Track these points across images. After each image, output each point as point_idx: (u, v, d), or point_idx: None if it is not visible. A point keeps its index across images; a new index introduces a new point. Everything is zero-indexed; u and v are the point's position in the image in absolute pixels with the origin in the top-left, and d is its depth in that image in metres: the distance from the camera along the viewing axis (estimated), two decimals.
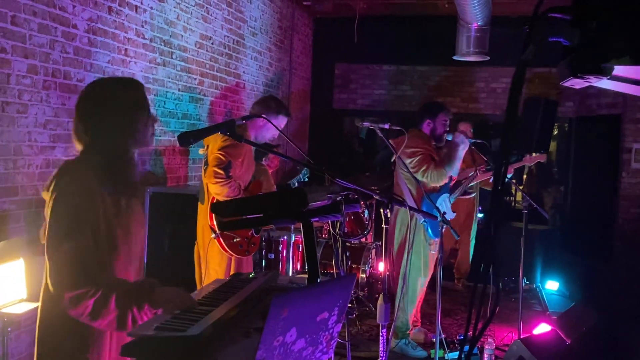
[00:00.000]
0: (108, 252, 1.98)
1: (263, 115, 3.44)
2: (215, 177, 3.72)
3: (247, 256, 4.05)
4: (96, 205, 1.93)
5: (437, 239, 4.62)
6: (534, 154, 5.61)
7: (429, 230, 4.54)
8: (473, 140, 5.24)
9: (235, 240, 3.87)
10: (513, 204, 8.69)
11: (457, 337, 5.20)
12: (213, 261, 3.91)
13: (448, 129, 4.70)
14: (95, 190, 1.94)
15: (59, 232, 1.88)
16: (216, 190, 3.76)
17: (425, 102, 6.31)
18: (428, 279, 4.79)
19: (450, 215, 4.50)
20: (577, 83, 1.17)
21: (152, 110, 2.07)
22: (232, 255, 3.89)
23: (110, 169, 1.99)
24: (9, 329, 3.23)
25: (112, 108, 2.00)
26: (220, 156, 3.75)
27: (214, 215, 3.76)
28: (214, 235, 3.84)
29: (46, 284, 1.97)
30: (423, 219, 4.47)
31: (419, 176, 4.39)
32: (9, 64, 3.37)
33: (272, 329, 1.48)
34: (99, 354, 2.02)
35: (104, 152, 1.99)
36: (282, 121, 4.16)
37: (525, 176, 8.99)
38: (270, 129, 4.07)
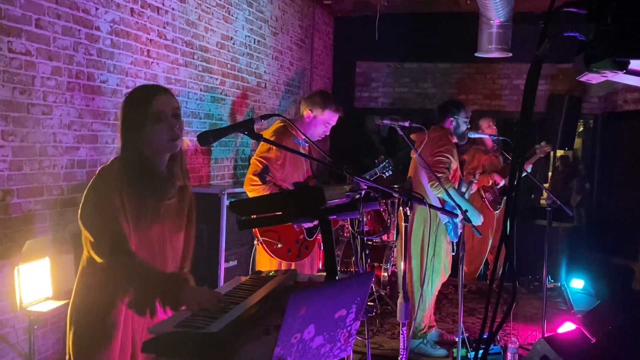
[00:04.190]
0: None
1: (283, 116, 3.43)
2: (251, 185, 3.74)
3: (299, 261, 3.95)
4: (120, 195, 2.07)
5: (455, 240, 4.59)
6: (542, 144, 5.58)
7: (451, 232, 4.51)
8: (496, 137, 5.21)
9: (278, 246, 3.80)
10: (538, 202, 8.60)
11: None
12: (263, 266, 3.91)
13: (469, 126, 4.68)
14: (116, 191, 2.06)
15: (95, 212, 2.06)
16: (252, 196, 3.76)
17: (446, 99, 6.26)
18: (445, 279, 4.76)
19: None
20: (593, 78, 1.16)
21: (170, 115, 2.16)
22: (281, 261, 3.85)
23: (133, 173, 2.12)
24: (35, 327, 3.30)
25: (128, 118, 2.16)
26: (257, 162, 3.77)
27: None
28: (256, 241, 3.86)
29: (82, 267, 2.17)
30: (447, 220, 4.42)
31: (431, 181, 4.36)
32: (34, 67, 3.43)
33: (289, 326, 1.49)
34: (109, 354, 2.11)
35: (128, 158, 2.14)
36: (330, 117, 3.98)
37: (550, 173, 8.89)
38: (317, 126, 3.97)
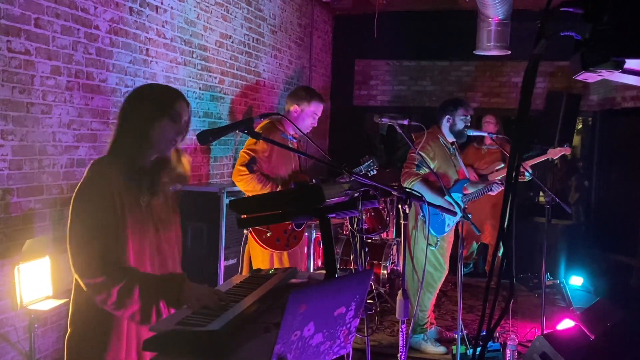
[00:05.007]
0: (124, 244, 2.03)
1: (282, 115, 3.46)
2: (239, 175, 3.90)
3: (288, 250, 4.06)
4: (113, 202, 2.01)
5: (439, 235, 4.59)
6: (557, 147, 5.55)
7: (430, 228, 4.51)
8: (494, 135, 5.21)
9: (267, 235, 3.91)
10: (536, 199, 8.62)
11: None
12: (256, 259, 4.00)
13: (468, 124, 4.67)
14: (113, 187, 2.02)
15: (80, 225, 1.98)
16: (241, 186, 3.93)
17: (446, 97, 6.28)
18: (444, 275, 4.75)
19: (456, 218, 4.49)
20: (589, 77, 1.17)
21: (184, 123, 2.15)
22: (271, 250, 3.96)
23: (130, 168, 2.08)
24: (36, 326, 3.30)
25: (142, 109, 2.11)
26: (244, 154, 3.93)
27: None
28: (245, 230, 3.98)
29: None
30: (421, 215, 4.46)
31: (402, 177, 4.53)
32: (33, 66, 3.44)
33: (289, 324, 1.50)
34: (116, 354, 2.05)
35: (126, 152, 2.09)
36: (316, 108, 4.17)
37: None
38: (305, 119, 4.12)
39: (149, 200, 2.13)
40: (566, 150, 5.51)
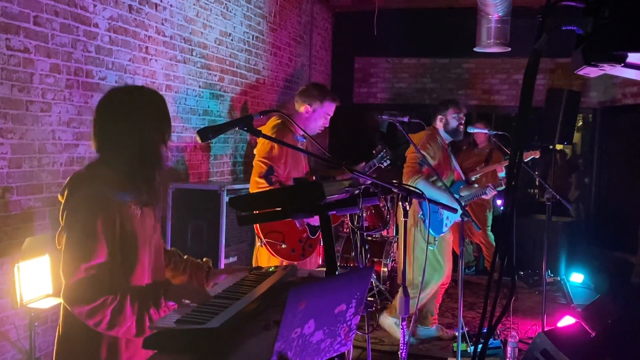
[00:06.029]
0: (125, 261, 1.97)
1: (281, 112, 3.38)
2: (258, 187, 3.69)
3: (304, 259, 3.89)
4: (111, 216, 1.93)
5: (437, 235, 4.58)
6: (530, 151, 5.60)
7: (429, 227, 4.50)
8: (494, 132, 5.22)
9: (282, 246, 3.76)
10: (536, 197, 8.61)
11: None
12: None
13: (462, 121, 4.69)
14: (110, 201, 1.93)
15: (74, 249, 1.89)
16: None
17: (446, 95, 6.28)
18: (444, 273, 4.73)
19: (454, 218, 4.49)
20: (591, 71, 1.16)
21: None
22: (284, 261, 3.81)
23: (124, 178, 1.99)
24: (36, 324, 3.30)
25: (145, 125, 2.03)
26: (260, 164, 3.72)
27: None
28: (259, 243, 3.82)
29: None
30: (420, 213, 4.46)
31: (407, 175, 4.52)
32: (32, 64, 3.43)
33: (289, 321, 1.49)
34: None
35: (116, 163, 2.00)
36: (328, 108, 3.95)
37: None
38: (317, 119, 3.94)
39: (142, 210, 2.05)
40: (535, 154, 5.56)
